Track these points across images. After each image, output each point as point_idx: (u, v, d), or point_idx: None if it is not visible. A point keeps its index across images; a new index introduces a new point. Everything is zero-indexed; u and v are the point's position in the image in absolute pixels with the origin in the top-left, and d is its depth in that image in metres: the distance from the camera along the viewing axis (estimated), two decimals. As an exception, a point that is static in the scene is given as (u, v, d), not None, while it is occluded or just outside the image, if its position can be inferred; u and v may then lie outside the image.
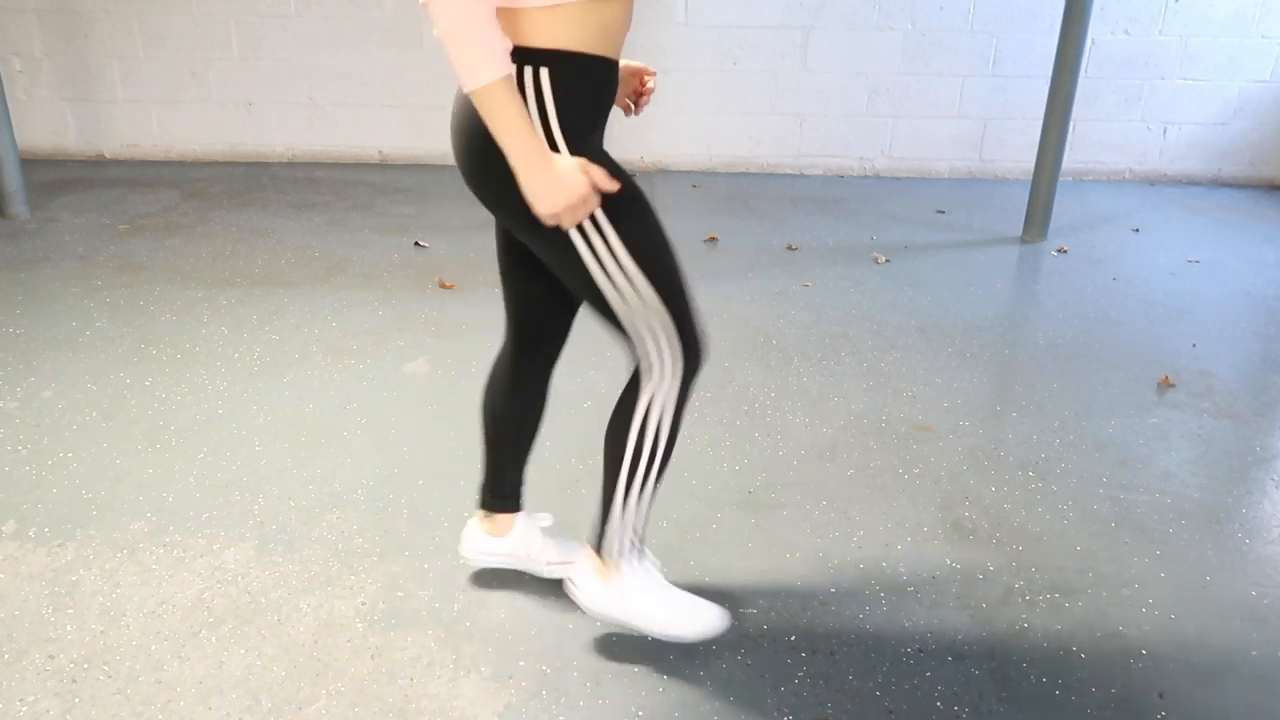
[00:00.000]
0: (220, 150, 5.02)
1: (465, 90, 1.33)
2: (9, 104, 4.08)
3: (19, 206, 4.08)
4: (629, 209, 1.47)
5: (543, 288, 1.70)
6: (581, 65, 1.40)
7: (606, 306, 1.52)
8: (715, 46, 4.85)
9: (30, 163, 4.73)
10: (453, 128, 1.50)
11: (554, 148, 1.41)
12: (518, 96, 1.34)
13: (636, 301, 1.50)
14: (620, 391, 1.65)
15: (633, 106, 1.79)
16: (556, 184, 1.36)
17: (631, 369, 1.61)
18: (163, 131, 4.98)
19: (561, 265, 1.51)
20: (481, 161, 1.44)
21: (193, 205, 4.32)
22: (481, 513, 1.94)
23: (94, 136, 4.98)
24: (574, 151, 1.42)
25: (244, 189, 4.58)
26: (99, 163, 4.96)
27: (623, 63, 1.71)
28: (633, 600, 1.75)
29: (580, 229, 1.44)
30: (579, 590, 1.77)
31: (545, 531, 1.98)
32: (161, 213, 4.21)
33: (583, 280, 1.50)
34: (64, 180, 4.63)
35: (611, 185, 1.41)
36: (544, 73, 1.38)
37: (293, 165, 4.99)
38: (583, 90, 1.42)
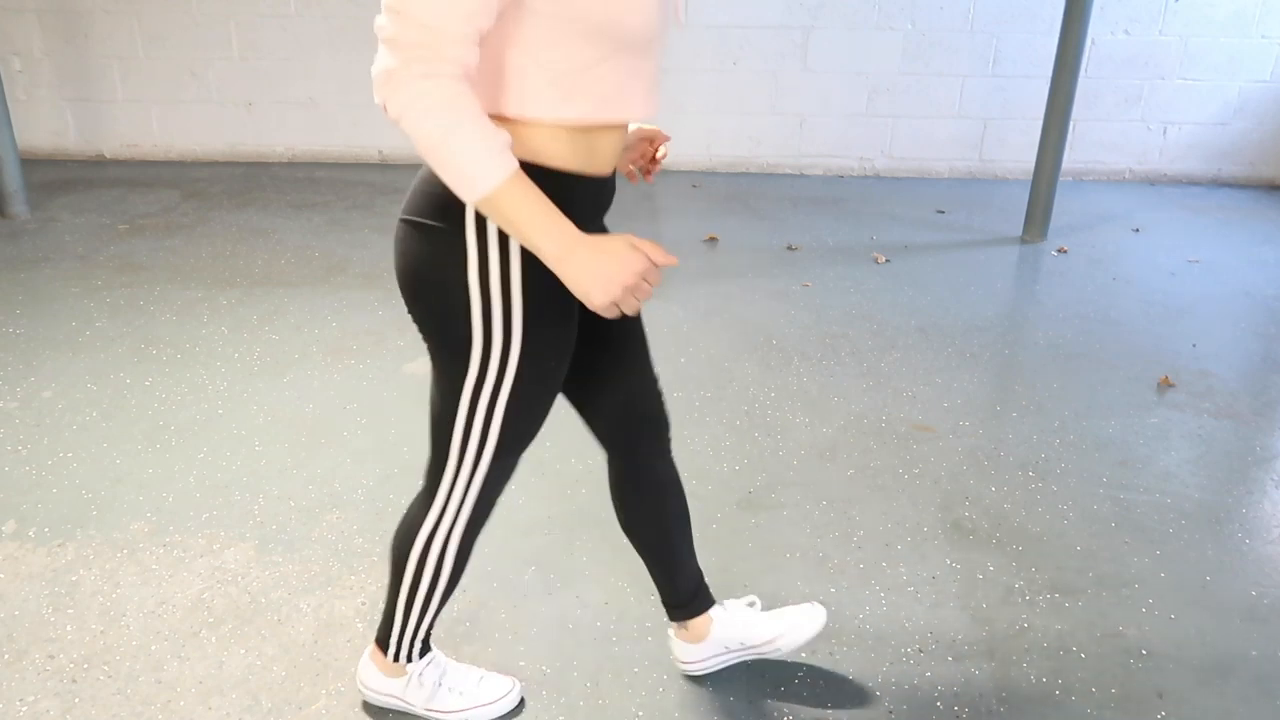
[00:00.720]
0: (220, 150, 5.02)
1: (470, 200, 1.13)
2: (9, 104, 4.08)
3: (19, 206, 4.08)
4: (547, 363, 1.32)
5: (624, 395, 1.51)
6: (562, 182, 1.21)
7: (445, 437, 1.38)
8: (715, 46, 4.85)
9: (30, 163, 4.73)
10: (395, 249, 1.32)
11: (505, 272, 1.22)
12: (531, 186, 1.13)
13: (473, 451, 1.37)
14: (414, 501, 1.50)
15: (639, 175, 1.58)
16: (608, 268, 1.16)
17: (424, 483, 1.47)
18: (163, 131, 4.98)
19: (437, 369, 1.34)
20: (418, 288, 1.27)
21: (193, 205, 4.32)
22: (675, 625, 1.75)
23: (94, 136, 4.98)
24: (527, 288, 1.23)
25: (244, 189, 4.58)
26: (99, 163, 4.96)
27: (634, 126, 1.51)
28: (416, 695, 1.64)
29: (484, 354, 1.28)
30: (361, 679, 1.66)
31: (750, 610, 1.79)
32: (161, 213, 4.21)
33: (446, 396, 1.35)
34: (64, 180, 4.63)
35: (669, 259, 1.21)
36: None
37: (293, 165, 4.99)
38: (561, 209, 1.18)
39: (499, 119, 1.18)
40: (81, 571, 2.01)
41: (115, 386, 2.75)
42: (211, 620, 1.88)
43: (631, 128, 1.51)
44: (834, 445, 2.55)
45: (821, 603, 1.97)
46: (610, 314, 1.20)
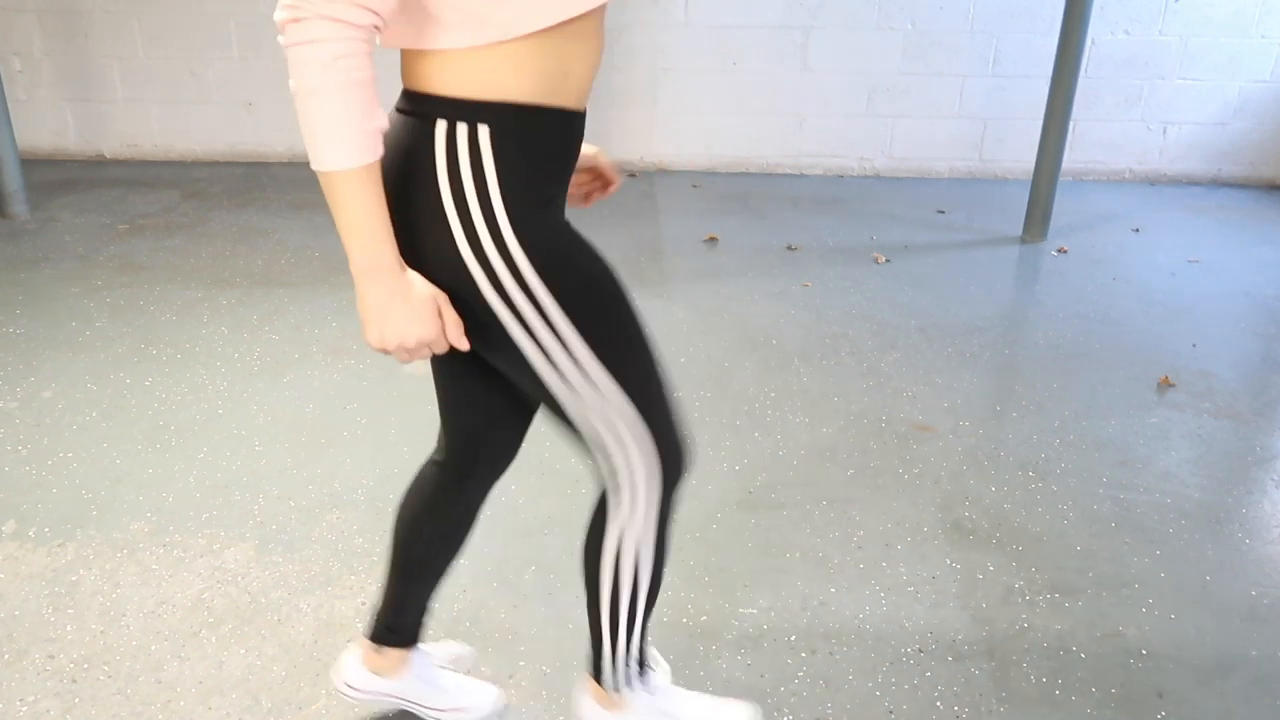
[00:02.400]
0: (220, 150, 5.02)
1: (314, 168, 1.02)
2: (9, 104, 4.08)
3: (19, 206, 4.08)
4: (588, 300, 1.17)
5: (493, 398, 1.35)
6: (534, 120, 1.08)
7: (564, 414, 1.23)
8: (715, 46, 4.85)
9: (30, 162, 4.73)
10: None
11: (495, 230, 1.09)
12: (377, 190, 1.03)
13: (601, 407, 1.21)
14: (591, 512, 1.39)
15: (580, 200, 1.43)
16: (401, 315, 1.07)
17: (599, 490, 1.35)
18: (163, 131, 4.98)
19: (506, 366, 1.21)
20: (418, 216, 1.12)
21: (193, 205, 4.32)
22: (368, 644, 1.56)
23: (94, 136, 4.98)
24: (520, 232, 1.10)
25: (244, 189, 4.58)
26: (99, 162, 4.96)
27: (591, 150, 1.38)
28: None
29: (527, 327, 1.15)
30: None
31: (447, 668, 1.68)
32: (161, 212, 4.21)
33: (533, 384, 1.21)
34: (64, 180, 4.63)
35: (462, 344, 1.13)
36: (482, 131, 1.06)
37: (293, 165, 4.99)
38: (536, 153, 1.10)
39: (452, 53, 1.05)
40: (81, 571, 2.01)
41: (115, 386, 2.75)
42: (211, 620, 1.88)
43: (586, 151, 1.37)
44: (834, 445, 2.55)
45: (821, 602, 1.97)
46: (374, 349, 1.10)
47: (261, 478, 2.34)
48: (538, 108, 1.08)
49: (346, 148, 0.99)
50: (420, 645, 1.60)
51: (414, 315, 1.07)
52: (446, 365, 1.34)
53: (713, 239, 4.06)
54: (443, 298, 1.11)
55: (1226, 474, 2.48)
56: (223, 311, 3.25)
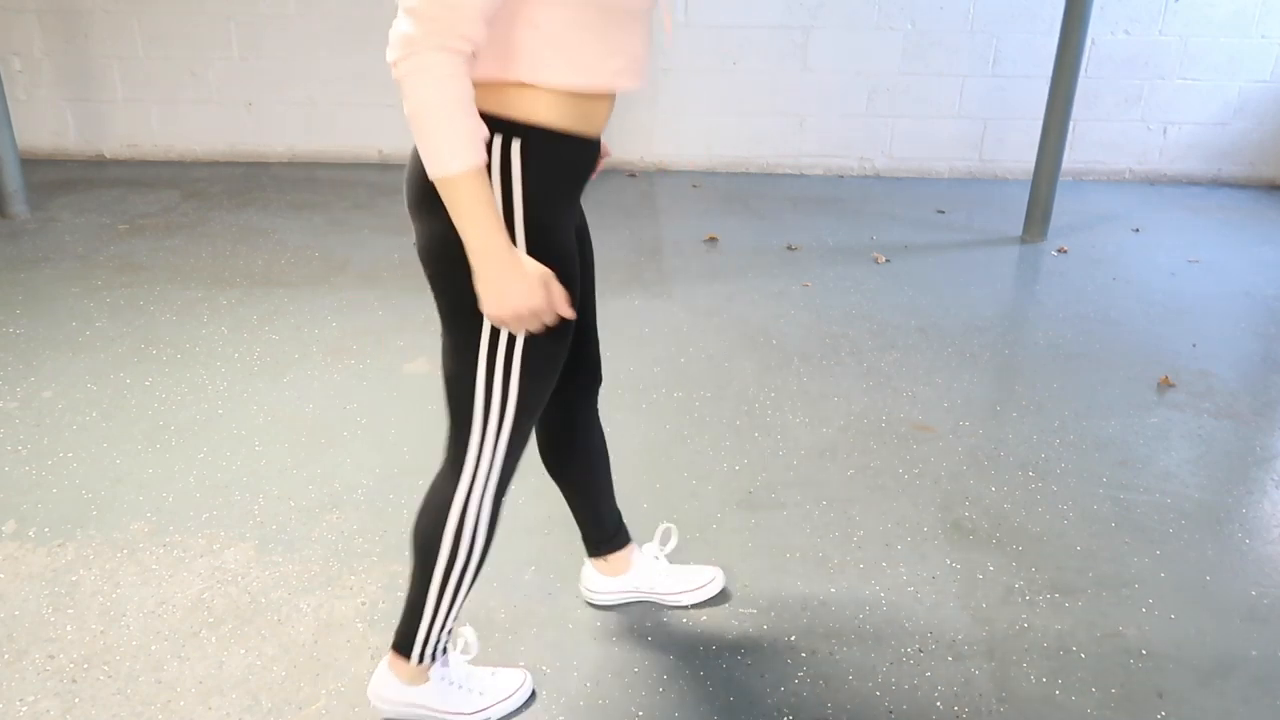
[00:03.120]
0: (220, 150, 5.02)
1: (431, 176, 1.21)
2: (9, 104, 4.08)
3: (19, 206, 4.08)
4: (556, 330, 1.36)
5: (576, 343, 1.62)
6: (559, 143, 1.30)
7: (467, 404, 1.40)
8: (715, 46, 4.85)
9: (30, 163, 4.73)
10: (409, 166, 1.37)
11: (511, 225, 1.29)
12: (488, 186, 1.22)
13: (496, 412, 1.39)
14: (436, 481, 1.50)
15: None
16: (516, 289, 1.25)
17: (446, 458, 1.47)
18: (163, 131, 4.98)
19: (450, 329, 1.39)
20: (433, 252, 1.33)
21: (193, 205, 4.32)
22: (594, 559, 1.92)
23: (94, 136, 4.98)
24: (531, 234, 1.30)
25: (244, 189, 4.58)
26: (99, 163, 4.96)
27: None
28: (437, 699, 1.64)
29: (495, 336, 1.34)
30: (376, 693, 1.64)
31: (665, 559, 1.97)
32: (161, 213, 4.21)
33: (459, 356, 1.38)
34: (64, 180, 4.63)
35: (569, 312, 1.32)
36: (515, 144, 1.27)
37: (293, 165, 4.99)
38: (556, 169, 1.32)
39: (505, 84, 1.26)
40: (81, 571, 2.01)
41: (115, 386, 2.75)
42: (211, 620, 1.88)
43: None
44: (834, 445, 2.55)
45: (821, 602, 1.97)
46: (491, 321, 1.29)
47: (261, 478, 2.34)
48: (563, 133, 1.30)
49: (464, 153, 1.18)
50: (449, 652, 1.68)
51: (526, 289, 1.25)
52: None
53: (713, 239, 4.06)
54: (549, 275, 1.28)
55: (1226, 474, 2.48)
56: (223, 311, 3.25)
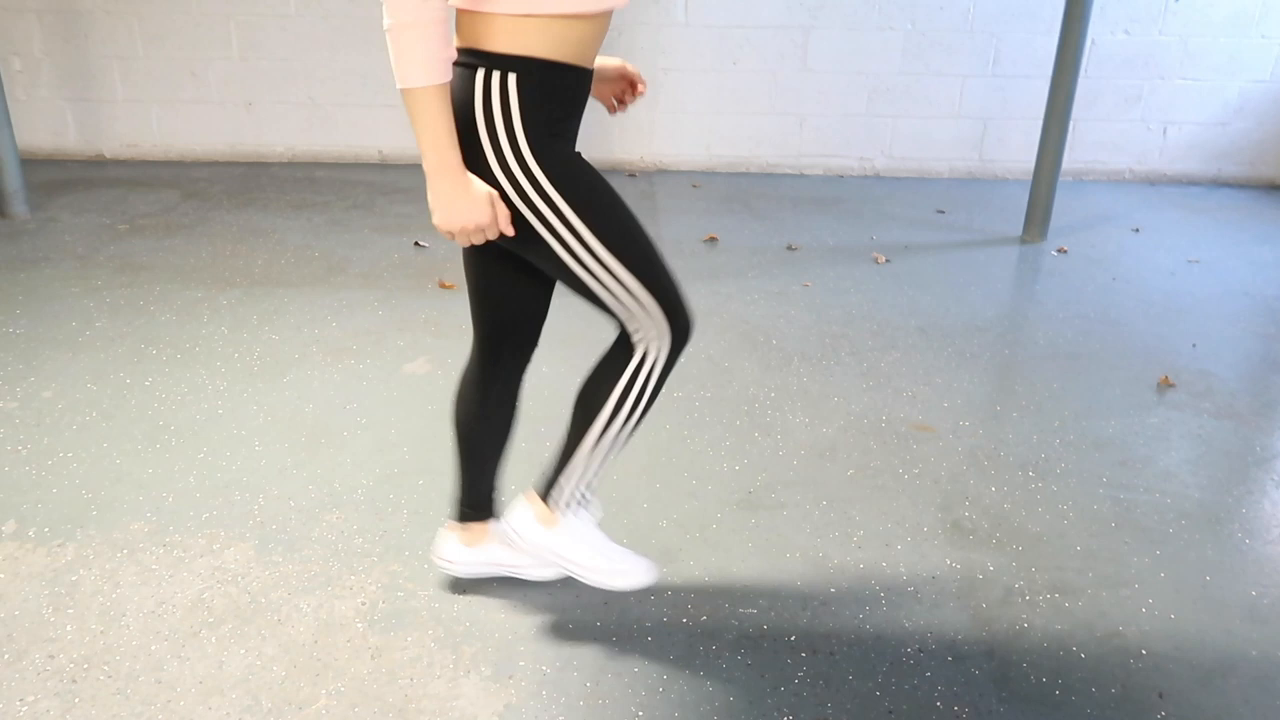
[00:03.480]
0: (220, 150, 5.02)
1: (399, 86, 1.33)
2: (9, 104, 4.08)
3: (19, 206, 4.08)
4: (596, 204, 1.49)
5: (514, 292, 1.68)
6: (550, 73, 1.41)
7: (591, 294, 1.55)
8: (715, 46, 4.85)
9: (30, 163, 4.73)
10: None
11: (519, 154, 1.42)
12: (447, 107, 1.34)
13: (618, 288, 1.52)
14: (611, 347, 1.66)
15: (616, 105, 1.80)
16: (462, 204, 1.39)
17: (618, 335, 1.65)
18: (163, 131, 4.98)
19: (539, 260, 1.53)
20: (464, 142, 1.44)
21: (193, 205, 4.32)
22: (454, 525, 1.94)
23: (94, 136, 4.98)
24: (539, 158, 1.43)
25: (244, 189, 4.58)
26: (99, 163, 4.96)
27: (617, 62, 1.75)
28: (570, 549, 1.80)
29: (550, 228, 1.47)
30: (519, 536, 1.80)
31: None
32: (161, 213, 4.21)
33: (563, 272, 1.53)
34: (64, 180, 4.63)
35: (509, 230, 1.44)
36: (511, 79, 1.39)
37: (293, 165, 4.99)
38: (549, 98, 1.42)
39: (495, 17, 1.37)
40: (81, 571, 2.01)
41: (115, 386, 2.75)
42: (211, 620, 1.88)
43: (613, 64, 1.73)
44: (834, 445, 2.55)
45: (821, 602, 1.97)
46: (443, 235, 1.44)
47: (261, 478, 2.34)
48: (553, 63, 1.41)
49: (427, 69, 1.30)
50: (586, 509, 1.82)
51: (473, 206, 1.38)
52: (481, 266, 1.63)
53: (712, 239, 4.06)
54: (494, 195, 1.41)
55: (1226, 474, 2.48)
56: (223, 311, 3.25)
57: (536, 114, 1.41)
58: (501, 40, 1.38)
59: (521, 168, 1.43)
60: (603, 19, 1.44)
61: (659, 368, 1.63)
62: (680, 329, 1.59)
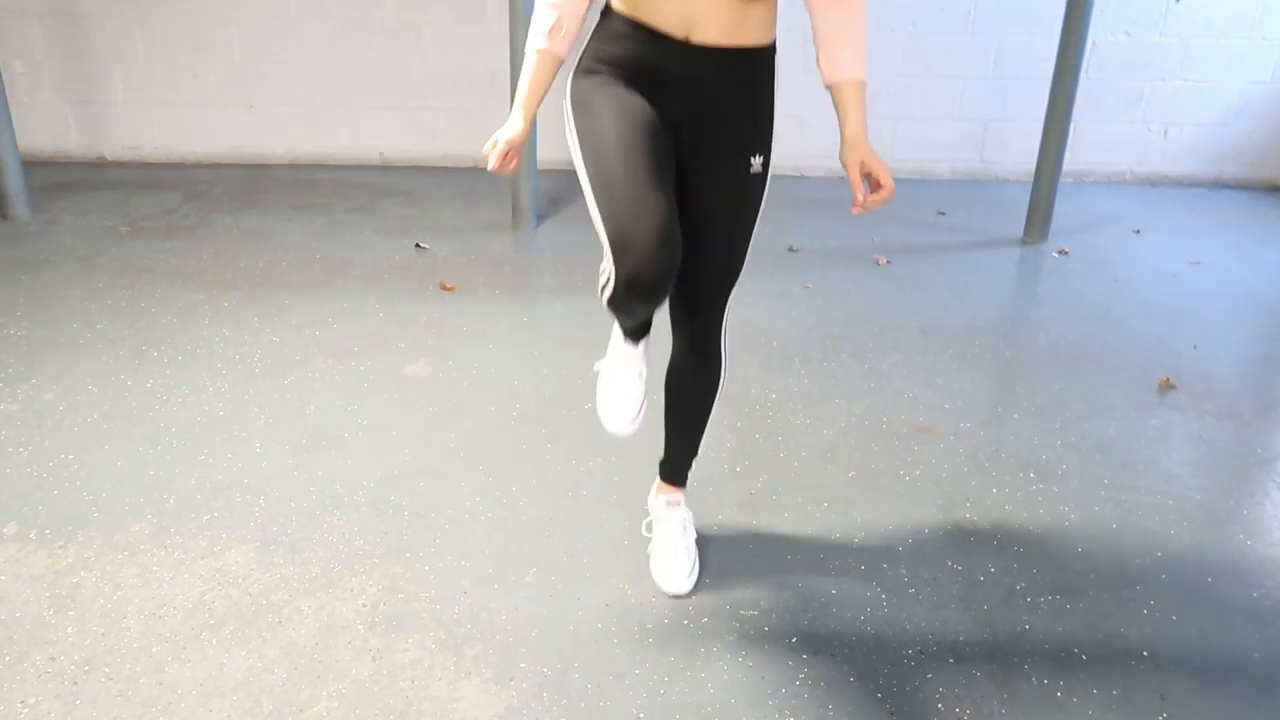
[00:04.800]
0: (221, 152, 5.02)
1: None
2: (10, 106, 4.08)
3: (20, 208, 4.08)
4: (590, 125, 1.66)
5: (683, 289, 1.88)
6: (611, 18, 1.68)
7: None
8: (716, 48, 4.85)
9: (32, 165, 4.73)
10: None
11: (570, 74, 1.73)
12: (535, 67, 1.70)
13: (591, 206, 1.62)
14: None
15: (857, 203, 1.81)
16: (504, 129, 1.71)
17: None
18: (164, 134, 4.98)
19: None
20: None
21: (194, 207, 4.33)
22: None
23: (95, 139, 4.98)
24: (573, 79, 1.72)
25: (245, 191, 4.58)
26: (100, 165, 4.96)
27: (861, 158, 1.80)
28: (604, 372, 1.94)
29: (571, 137, 1.71)
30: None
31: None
32: (163, 215, 4.22)
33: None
34: (65, 182, 4.63)
35: (487, 148, 1.69)
36: (596, 20, 1.72)
37: (294, 167, 5.00)
38: (603, 37, 1.69)
39: None
40: (82, 573, 2.01)
41: (116, 388, 2.75)
42: (212, 622, 1.88)
43: (857, 154, 1.81)
44: (835, 447, 2.55)
45: (823, 604, 1.97)
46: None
47: (262, 480, 2.34)
48: (615, 14, 1.67)
49: (532, 37, 1.70)
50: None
51: (501, 131, 1.70)
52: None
53: (714, 241, 4.06)
54: (506, 136, 1.68)
55: (1228, 475, 2.48)
56: (224, 313, 3.25)
57: (591, 45, 1.70)
58: None
59: (568, 84, 1.73)
60: None
61: (605, 296, 1.64)
62: (620, 269, 1.56)
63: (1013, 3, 4.76)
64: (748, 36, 1.67)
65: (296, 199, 4.48)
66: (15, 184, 4.04)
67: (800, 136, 5.01)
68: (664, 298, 1.62)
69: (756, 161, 1.80)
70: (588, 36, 1.71)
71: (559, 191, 4.60)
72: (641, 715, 1.70)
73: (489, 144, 1.67)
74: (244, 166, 4.99)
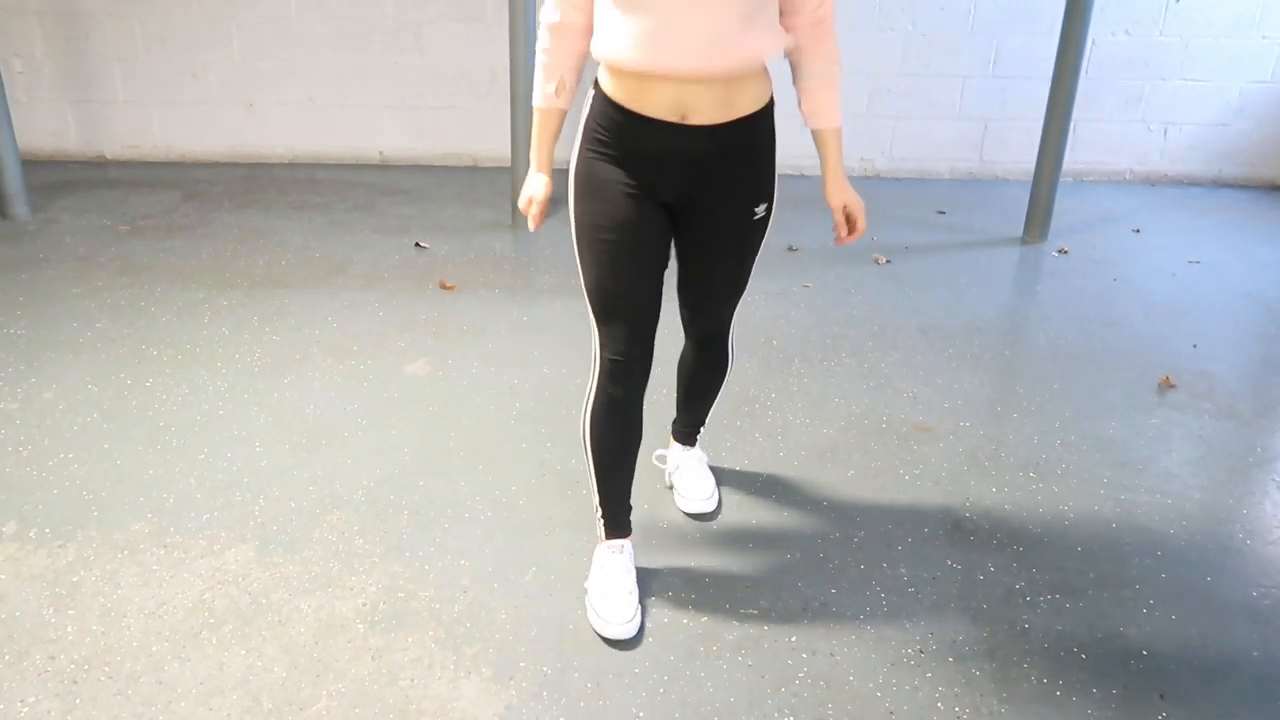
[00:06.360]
0: (221, 151, 5.02)
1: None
2: (10, 105, 4.07)
3: (20, 208, 4.08)
4: (588, 215, 1.77)
5: (686, 298, 2.05)
6: (605, 104, 1.71)
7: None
8: (716, 47, 4.84)
9: (31, 164, 4.73)
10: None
11: (574, 151, 1.79)
12: (543, 125, 1.80)
13: (585, 295, 1.82)
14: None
15: (842, 235, 2.04)
16: (526, 187, 1.85)
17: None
18: (163, 132, 4.98)
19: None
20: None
21: (193, 206, 4.33)
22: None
23: (95, 137, 4.98)
24: (577, 160, 1.78)
25: (245, 190, 4.58)
26: (100, 164, 4.96)
27: (843, 200, 2.06)
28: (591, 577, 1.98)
29: (569, 214, 1.83)
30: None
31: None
32: (162, 214, 4.22)
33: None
34: (65, 181, 4.63)
35: (523, 206, 1.85)
36: (590, 95, 1.76)
37: (293, 166, 4.99)
38: (600, 123, 1.73)
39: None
40: (82, 572, 2.01)
41: (116, 387, 2.75)
42: (212, 621, 1.88)
43: (839, 196, 2.06)
44: (834, 446, 2.55)
45: (822, 603, 1.97)
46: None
47: (262, 479, 2.34)
48: (609, 99, 1.70)
49: (537, 93, 1.78)
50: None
51: (526, 188, 1.84)
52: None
53: (713, 240, 4.06)
54: (534, 192, 1.83)
55: (1227, 475, 2.48)
56: (223, 312, 3.25)
57: (590, 126, 1.75)
58: (600, 72, 1.73)
59: (572, 160, 1.79)
60: (655, 80, 1.63)
61: (591, 392, 1.85)
62: (604, 362, 1.81)
63: (1012, 2, 4.76)
64: (743, 108, 1.70)
65: (296, 198, 4.48)
66: (15, 183, 4.04)
67: (800, 136, 5.01)
68: (641, 383, 1.84)
69: (760, 209, 1.91)
70: (587, 98, 1.77)
71: (559, 191, 4.59)
72: (641, 714, 1.70)
73: (523, 203, 1.83)
74: (243, 165, 4.99)
